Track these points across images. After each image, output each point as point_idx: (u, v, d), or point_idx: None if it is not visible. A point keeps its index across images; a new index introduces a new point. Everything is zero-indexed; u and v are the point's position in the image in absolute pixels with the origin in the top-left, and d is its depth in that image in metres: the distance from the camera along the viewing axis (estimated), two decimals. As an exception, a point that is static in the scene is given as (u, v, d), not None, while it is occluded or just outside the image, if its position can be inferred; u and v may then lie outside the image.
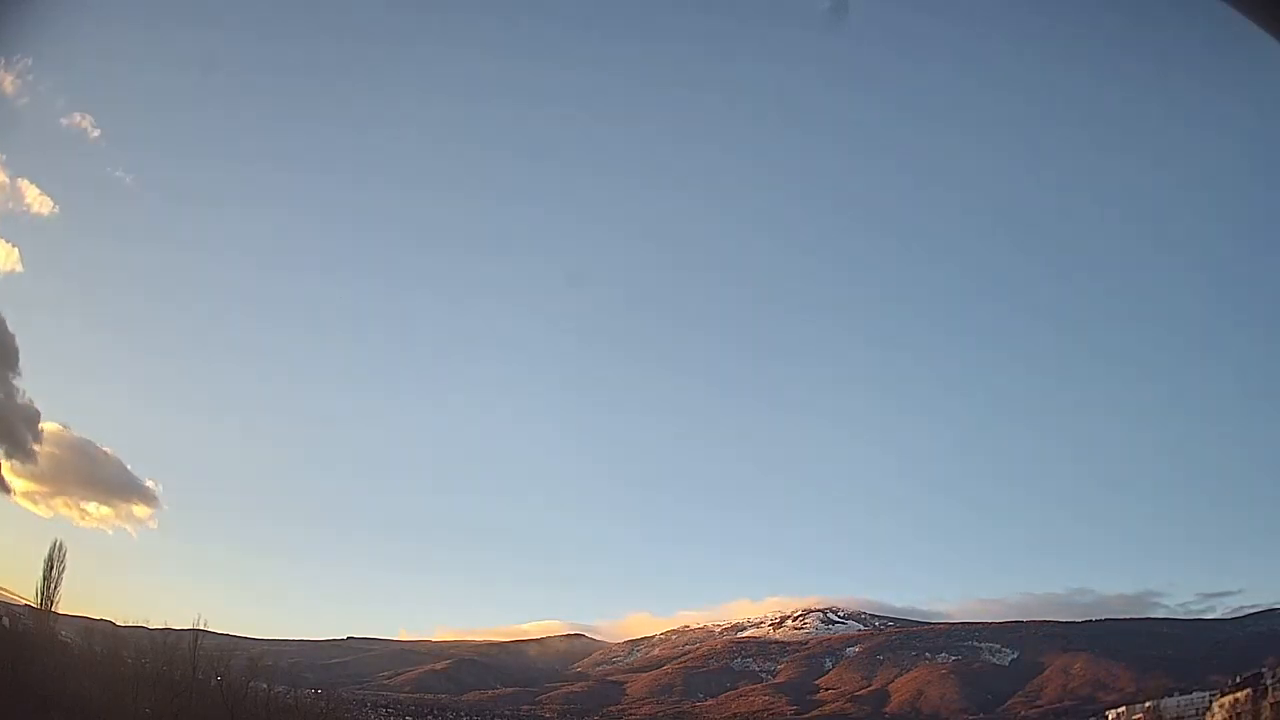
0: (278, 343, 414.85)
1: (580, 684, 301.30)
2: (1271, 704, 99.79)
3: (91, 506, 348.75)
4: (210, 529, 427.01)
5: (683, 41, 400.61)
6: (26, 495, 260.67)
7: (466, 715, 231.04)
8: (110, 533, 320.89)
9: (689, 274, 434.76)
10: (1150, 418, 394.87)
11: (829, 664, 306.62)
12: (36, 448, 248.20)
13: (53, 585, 71.12)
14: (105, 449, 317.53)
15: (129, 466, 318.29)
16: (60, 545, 73.20)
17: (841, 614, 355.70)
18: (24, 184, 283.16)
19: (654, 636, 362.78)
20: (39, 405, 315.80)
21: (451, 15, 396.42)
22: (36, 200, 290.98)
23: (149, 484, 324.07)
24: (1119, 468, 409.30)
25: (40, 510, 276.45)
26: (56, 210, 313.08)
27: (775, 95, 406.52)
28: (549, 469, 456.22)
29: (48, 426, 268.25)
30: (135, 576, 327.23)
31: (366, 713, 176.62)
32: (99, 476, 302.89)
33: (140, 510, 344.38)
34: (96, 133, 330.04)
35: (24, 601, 73.88)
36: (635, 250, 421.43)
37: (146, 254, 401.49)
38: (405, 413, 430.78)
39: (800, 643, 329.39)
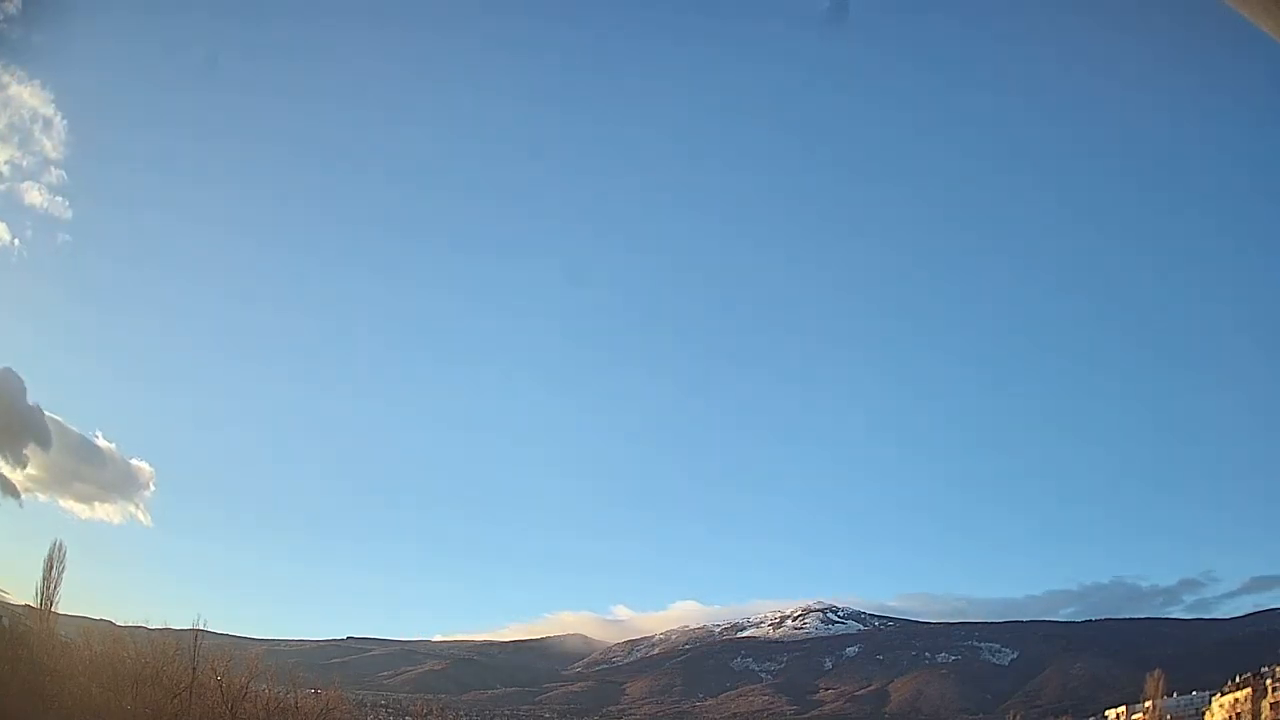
0: (277, 340, 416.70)
1: (580, 684, 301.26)
2: (1271, 704, 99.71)
3: (91, 502, 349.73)
4: (211, 530, 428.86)
5: (683, 42, 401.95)
6: (26, 490, 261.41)
7: (466, 715, 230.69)
8: (109, 527, 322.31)
9: (688, 276, 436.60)
10: (1149, 417, 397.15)
11: (829, 664, 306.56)
12: (37, 443, 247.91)
13: (52, 585, 70.89)
14: (105, 445, 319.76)
15: (129, 466, 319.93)
16: (60, 545, 72.96)
17: (841, 614, 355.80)
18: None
19: (654, 636, 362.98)
20: (39, 399, 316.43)
21: (453, 13, 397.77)
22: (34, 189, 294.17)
23: (147, 479, 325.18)
24: (1117, 467, 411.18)
25: (41, 502, 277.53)
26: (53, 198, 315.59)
27: (775, 95, 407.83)
28: (550, 469, 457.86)
29: (48, 420, 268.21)
30: (135, 574, 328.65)
31: (366, 713, 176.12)
32: (100, 472, 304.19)
33: (139, 509, 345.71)
34: (93, 118, 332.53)
35: (23, 602, 73.74)
36: (634, 251, 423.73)
37: (149, 247, 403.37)
38: (405, 414, 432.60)
39: (800, 643, 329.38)
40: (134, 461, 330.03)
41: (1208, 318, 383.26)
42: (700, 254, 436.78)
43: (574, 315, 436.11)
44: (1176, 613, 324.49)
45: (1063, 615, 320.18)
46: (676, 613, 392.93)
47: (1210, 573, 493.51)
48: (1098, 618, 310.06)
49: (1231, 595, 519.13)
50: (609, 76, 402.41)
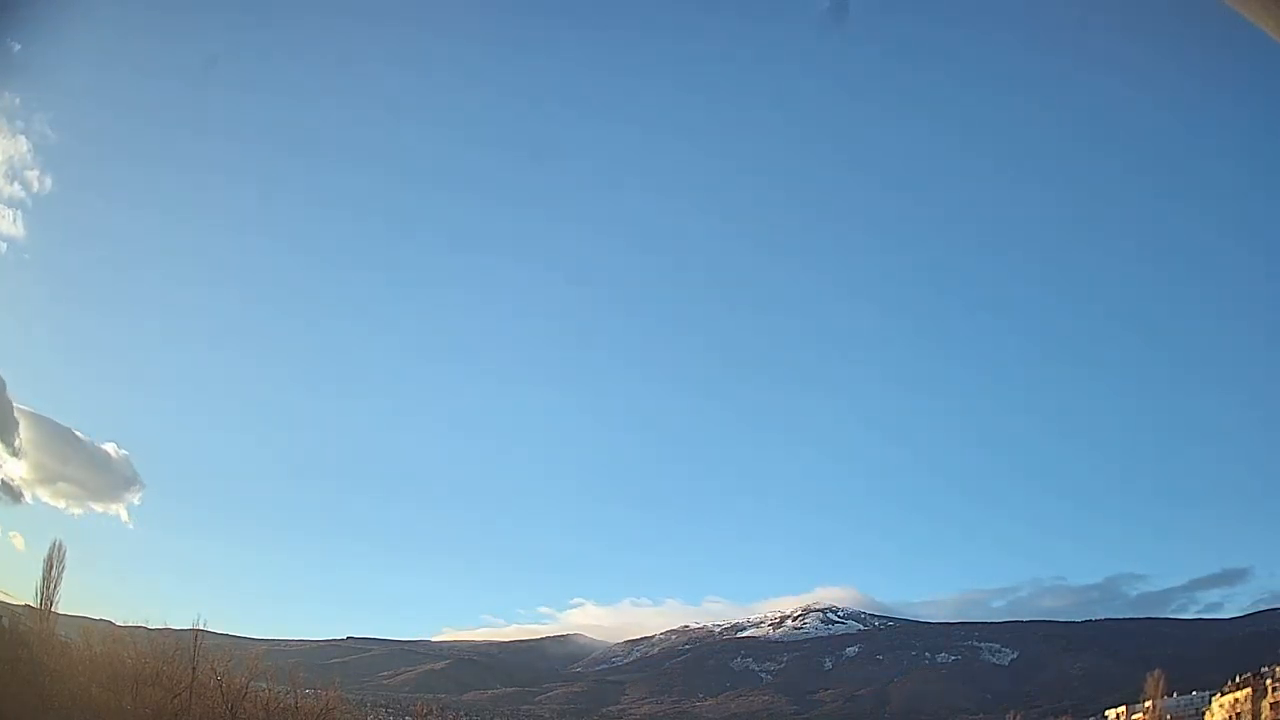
0: (275, 339, 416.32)
1: (580, 684, 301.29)
2: (1271, 704, 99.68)
3: (87, 502, 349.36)
4: (211, 530, 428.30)
5: (683, 41, 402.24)
6: (22, 487, 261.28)
7: (466, 715, 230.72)
8: (107, 527, 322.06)
9: (688, 276, 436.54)
10: (1145, 415, 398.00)
11: (829, 664, 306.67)
12: (20, 439, 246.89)
13: (52, 585, 70.75)
14: (101, 444, 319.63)
15: (126, 465, 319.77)
16: (60, 545, 72.78)
17: (841, 614, 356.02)
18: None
19: (653, 636, 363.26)
20: (28, 397, 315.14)
21: (452, 11, 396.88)
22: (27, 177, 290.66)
23: (136, 476, 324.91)
24: (1116, 465, 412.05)
25: (29, 502, 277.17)
26: (41, 188, 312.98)
27: (776, 95, 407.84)
28: (551, 469, 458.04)
29: (32, 416, 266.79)
30: (135, 574, 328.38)
31: (366, 713, 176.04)
32: (97, 472, 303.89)
33: (126, 509, 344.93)
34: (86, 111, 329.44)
35: (23, 602, 73.59)
36: (634, 251, 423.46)
37: (144, 246, 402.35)
38: (406, 413, 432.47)
39: (800, 643, 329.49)
40: (128, 458, 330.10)
41: (1205, 318, 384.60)
42: (700, 253, 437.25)
43: (575, 315, 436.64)
44: (1176, 613, 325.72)
45: (1063, 615, 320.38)
46: (677, 612, 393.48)
47: (1147, 570, 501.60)
48: (1097, 618, 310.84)
49: (1175, 592, 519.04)
50: (610, 76, 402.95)
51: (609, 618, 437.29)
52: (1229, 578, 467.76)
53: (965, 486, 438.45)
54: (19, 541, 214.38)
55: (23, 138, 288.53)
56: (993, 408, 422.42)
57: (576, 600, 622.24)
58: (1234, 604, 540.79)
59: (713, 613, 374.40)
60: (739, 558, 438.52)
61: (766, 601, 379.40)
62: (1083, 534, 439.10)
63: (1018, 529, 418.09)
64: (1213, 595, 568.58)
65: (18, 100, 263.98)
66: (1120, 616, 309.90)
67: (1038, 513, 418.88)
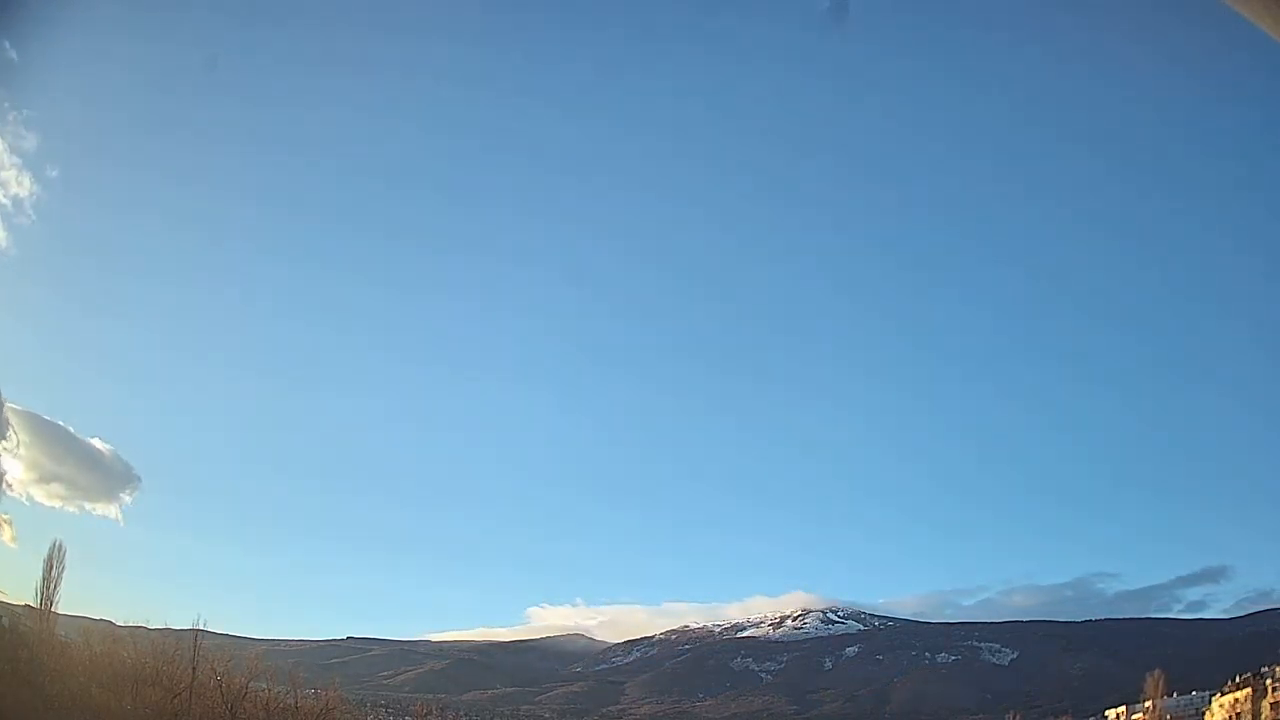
0: (275, 341, 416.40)
1: (580, 684, 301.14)
2: (1271, 704, 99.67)
3: (82, 503, 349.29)
4: (211, 530, 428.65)
5: (683, 41, 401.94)
6: (16, 485, 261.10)
7: (466, 715, 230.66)
8: (106, 527, 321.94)
9: (685, 278, 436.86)
10: (1120, 414, 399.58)
11: (829, 664, 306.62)
12: (16, 439, 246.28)
13: (52, 585, 70.83)
14: (89, 438, 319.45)
15: (121, 462, 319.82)
16: (60, 545, 72.82)
17: (841, 614, 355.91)
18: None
19: (654, 636, 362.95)
20: (22, 398, 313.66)
21: (451, 13, 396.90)
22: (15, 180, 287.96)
23: (135, 478, 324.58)
24: (1087, 464, 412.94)
25: (24, 503, 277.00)
26: (36, 189, 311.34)
27: (775, 96, 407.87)
28: (552, 470, 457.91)
29: (27, 415, 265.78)
30: (135, 574, 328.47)
31: (366, 713, 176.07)
32: (96, 473, 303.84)
33: (120, 510, 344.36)
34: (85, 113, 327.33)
35: (23, 602, 73.65)
36: (630, 253, 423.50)
37: (137, 240, 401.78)
38: (406, 414, 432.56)
39: (800, 643, 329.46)
40: (118, 454, 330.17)
41: (1190, 318, 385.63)
42: (696, 255, 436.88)
43: (573, 318, 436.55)
44: (1176, 613, 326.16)
45: (1063, 615, 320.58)
46: (677, 612, 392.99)
47: (1118, 569, 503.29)
48: (1097, 618, 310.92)
49: (1155, 590, 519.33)
50: (609, 76, 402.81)
51: (609, 619, 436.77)
52: (1210, 575, 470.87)
53: (931, 485, 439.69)
54: (6, 532, 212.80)
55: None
56: (967, 407, 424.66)
57: (538, 602, 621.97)
58: (1216, 603, 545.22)
59: (713, 612, 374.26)
60: (697, 558, 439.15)
61: (767, 601, 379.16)
62: (1052, 533, 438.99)
63: (985, 528, 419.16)
64: (1192, 593, 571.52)
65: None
66: (1120, 616, 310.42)
67: (1006, 512, 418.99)
